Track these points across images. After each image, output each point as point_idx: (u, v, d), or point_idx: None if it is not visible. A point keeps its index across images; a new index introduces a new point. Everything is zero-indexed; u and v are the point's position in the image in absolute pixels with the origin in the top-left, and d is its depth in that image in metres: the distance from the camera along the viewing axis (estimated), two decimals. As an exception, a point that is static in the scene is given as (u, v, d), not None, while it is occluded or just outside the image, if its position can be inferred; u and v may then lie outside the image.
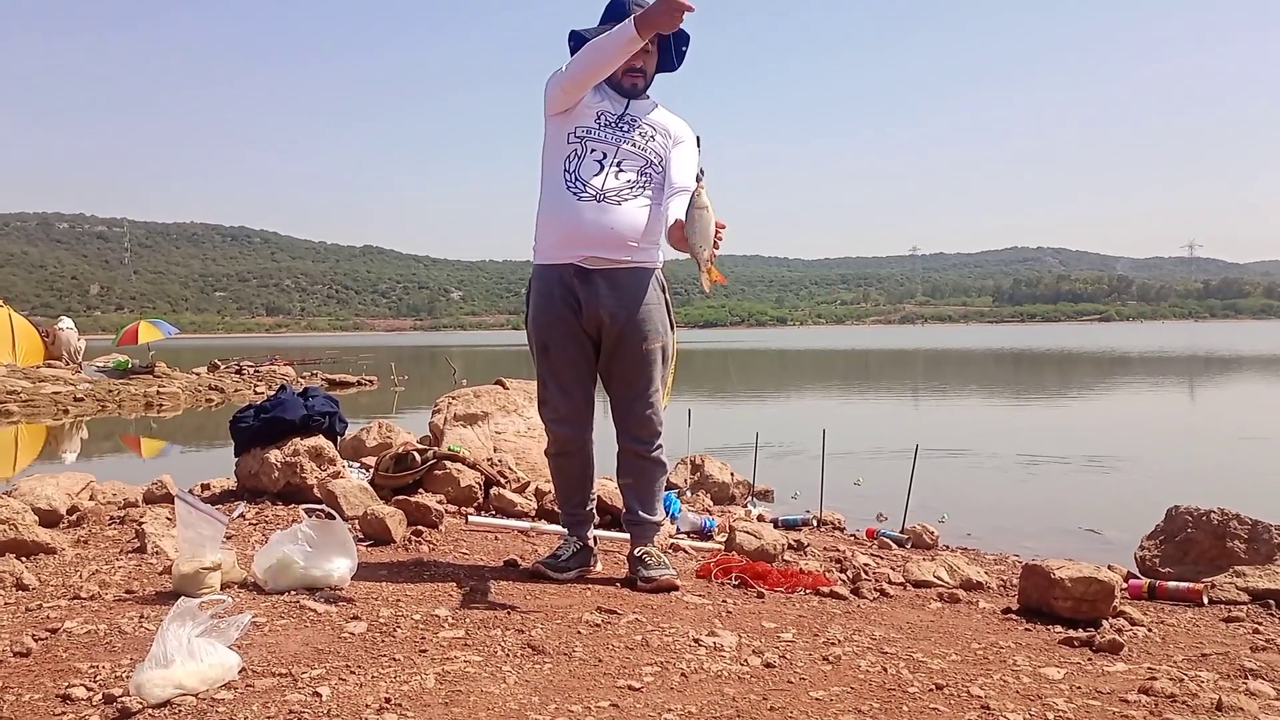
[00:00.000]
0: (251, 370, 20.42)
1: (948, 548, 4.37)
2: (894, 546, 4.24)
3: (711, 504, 5.30)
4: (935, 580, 3.27)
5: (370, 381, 19.61)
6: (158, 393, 15.46)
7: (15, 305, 19.90)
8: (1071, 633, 2.54)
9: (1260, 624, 2.79)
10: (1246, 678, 2.13)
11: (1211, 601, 3.09)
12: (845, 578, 3.32)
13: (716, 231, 2.66)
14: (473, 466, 4.37)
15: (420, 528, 3.52)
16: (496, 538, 3.62)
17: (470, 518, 3.90)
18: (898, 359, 32.86)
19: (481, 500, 4.25)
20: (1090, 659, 2.31)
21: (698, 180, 2.72)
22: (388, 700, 1.81)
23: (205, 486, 4.55)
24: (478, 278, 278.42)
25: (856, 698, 1.93)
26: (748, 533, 3.54)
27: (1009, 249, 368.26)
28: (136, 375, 17.12)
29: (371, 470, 4.53)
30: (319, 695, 1.81)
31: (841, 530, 4.78)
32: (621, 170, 2.85)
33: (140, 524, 3.34)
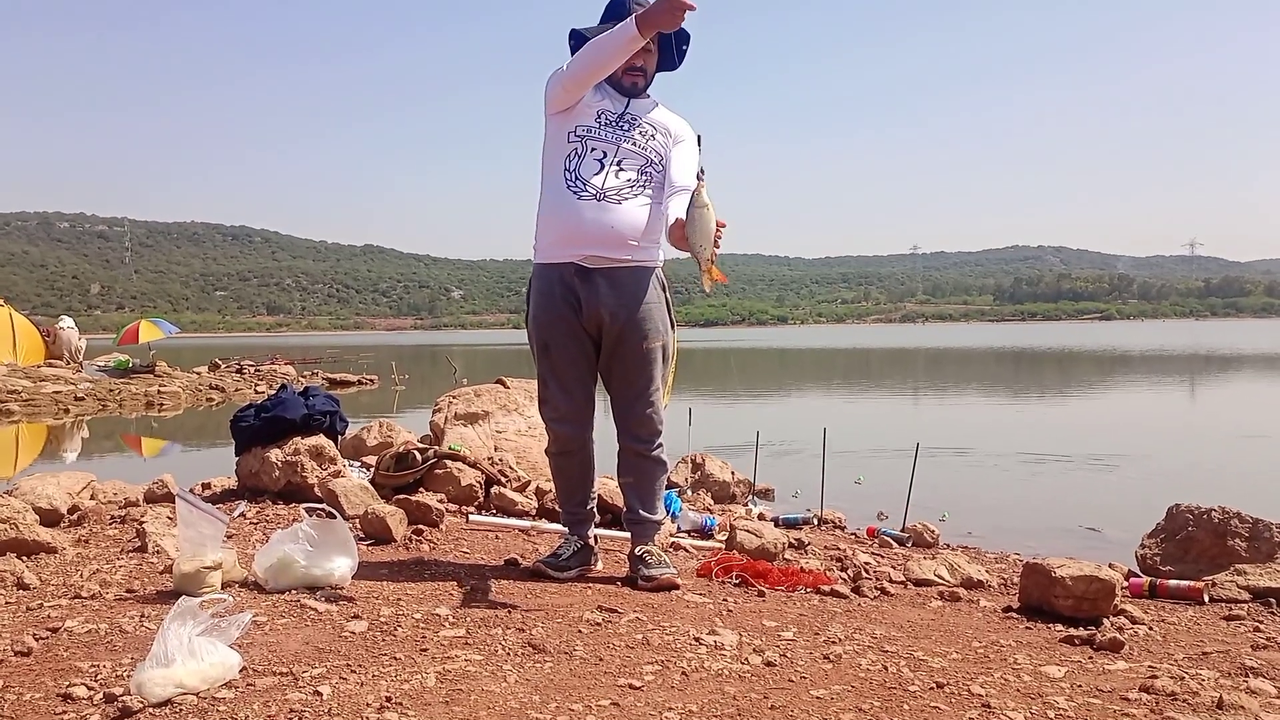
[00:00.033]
0: (252, 369, 20.43)
1: (948, 546, 4.37)
2: (895, 545, 4.24)
3: (712, 502, 5.30)
4: (936, 579, 3.27)
5: (371, 381, 19.61)
6: (158, 392, 15.47)
7: (16, 304, 19.91)
8: (1072, 631, 2.54)
9: (1261, 622, 2.79)
10: (1247, 676, 2.13)
11: (1212, 600, 3.09)
12: (846, 576, 3.31)
13: (717, 230, 2.66)
14: (473, 465, 4.37)
15: (421, 527, 3.52)
16: (497, 537, 3.63)
17: (471, 517, 3.90)
18: (898, 358, 32.85)
19: (482, 499, 4.25)
20: (1091, 657, 2.31)
21: (698, 179, 2.72)
22: (388, 699, 1.81)
23: (206, 486, 4.55)
24: (478, 277, 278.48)
25: (857, 696, 1.93)
26: (748, 531, 3.54)
27: (1010, 248, 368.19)
28: (137, 374, 17.12)
29: (372, 469, 4.53)
30: (320, 694, 1.81)
31: (842, 529, 4.78)
32: (622, 169, 2.85)
33: (141, 523, 3.34)
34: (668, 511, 4.04)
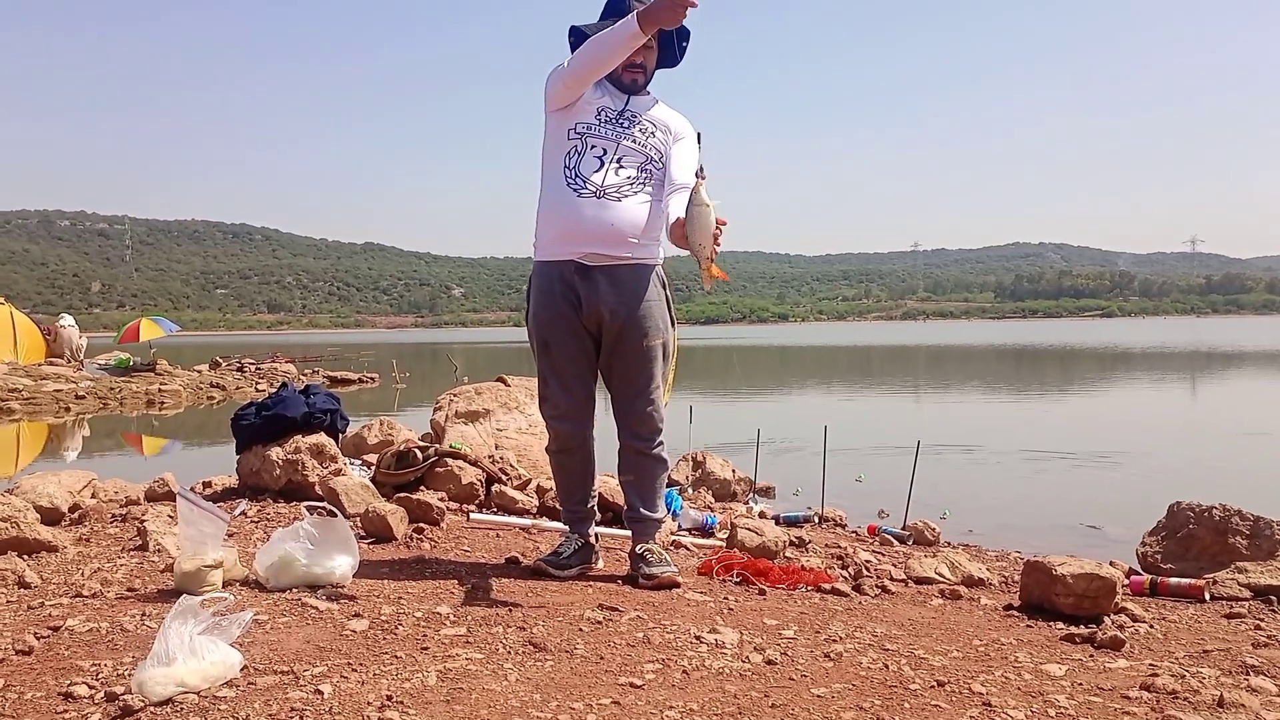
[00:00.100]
0: (253, 368, 20.44)
1: (949, 544, 4.37)
2: (896, 543, 4.24)
3: (713, 501, 5.30)
4: (937, 577, 3.27)
5: (372, 379, 19.62)
6: (159, 390, 15.47)
7: (17, 303, 19.92)
8: (1073, 629, 2.55)
9: (1262, 620, 2.79)
10: (1248, 674, 2.13)
11: (1213, 598, 3.09)
12: (847, 574, 3.31)
13: (717, 228, 2.65)
14: (474, 464, 4.37)
15: (422, 525, 3.52)
16: (498, 535, 3.63)
17: (472, 515, 3.90)
18: (899, 355, 32.84)
19: (483, 497, 4.25)
20: (1092, 655, 2.30)
21: (697, 177, 2.71)
22: (389, 698, 1.81)
23: (207, 484, 4.55)
24: (479, 274, 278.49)
25: (858, 695, 1.93)
26: (749, 529, 3.54)
27: (1011, 245, 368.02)
28: (138, 373, 17.12)
29: (373, 468, 4.53)
30: (321, 693, 1.81)
31: (843, 527, 4.78)
32: (622, 166, 2.84)
33: (142, 522, 3.34)
34: (668, 509, 4.04)
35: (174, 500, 3.04)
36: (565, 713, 1.78)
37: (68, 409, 13.19)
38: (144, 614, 2.35)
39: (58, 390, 14.21)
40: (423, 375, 22.63)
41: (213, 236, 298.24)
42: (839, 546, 3.93)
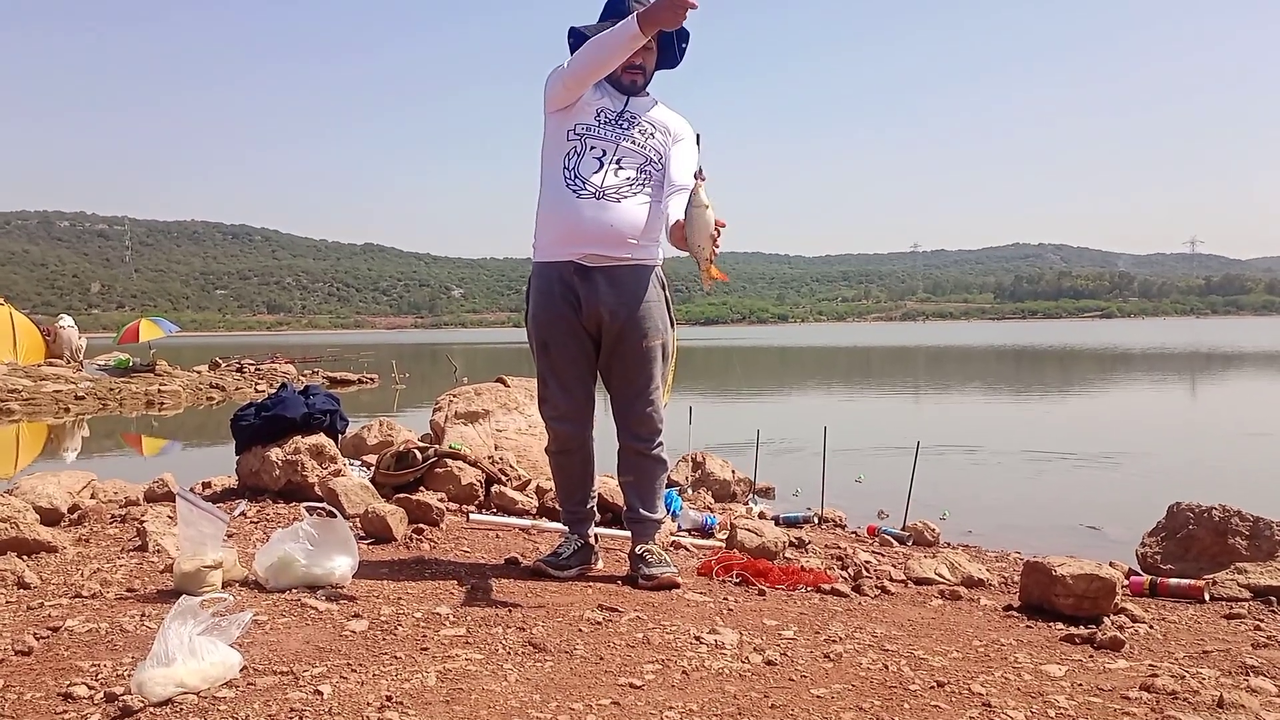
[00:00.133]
0: (252, 368, 20.43)
1: (949, 545, 4.37)
2: (895, 544, 4.24)
3: (713, 501, 5.30)
4: (936, 577, 3.27)
5: (371, 379, 19.62)
6: (159, 391, 15.46)
7: (16, 303, 19.91)
8: (1073, 630, 2.55)
9: (1262, 621, 2.79)
10: (1248, 675, 2.13)
11: (1213, 598, 3.09)
12: (846, 575, 3.31)
13: (716, 229, 2.65)
14: (474, 464, 4.37)
15: (421, 526, 3.52)
16: (498, 536, 3.63)
17: (471, 516, 3.90)
18: (899, 356, 32.85)
19: (483, 498, 4.25)
20: (1092, 656, 2.30)
21: (697, 178, 2.71)
22: (389, 698, 1.81)
23: (206, 485, 4.55)
24: (479, 275, 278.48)
25: (858, 695, 1.93)
26: (749, 530, 3.54)
27: (1010, 245, 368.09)
28: (137, 373, 17.13)
29: (373, 468, 4.53)
30: (320, 693, 1.81)
31: (843, 527, 4.78)
32: (621, 167, 2.84)
33: (141, 522, 3.34)
34: (668, 510, 4.04)
35: (173, 501, 3.04)
36: (565, 713, 1.78)
37: (67, 409, 13.19)
38: (143, 614, 2.35)
39: (57, 391, 14.21)
40: (422, 376, 22.63)
41: (212, 237, 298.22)
42: (839, 547, 3.94)
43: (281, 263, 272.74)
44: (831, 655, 2.19)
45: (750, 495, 5.74)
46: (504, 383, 5.84)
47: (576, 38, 2.90)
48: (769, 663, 2.11)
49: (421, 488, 4.23)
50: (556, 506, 3.49)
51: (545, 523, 3.82)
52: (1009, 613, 2.80)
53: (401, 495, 3.86)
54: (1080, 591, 2.70)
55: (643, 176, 2.87)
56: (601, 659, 2.10)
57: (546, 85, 2.88)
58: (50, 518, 3.59)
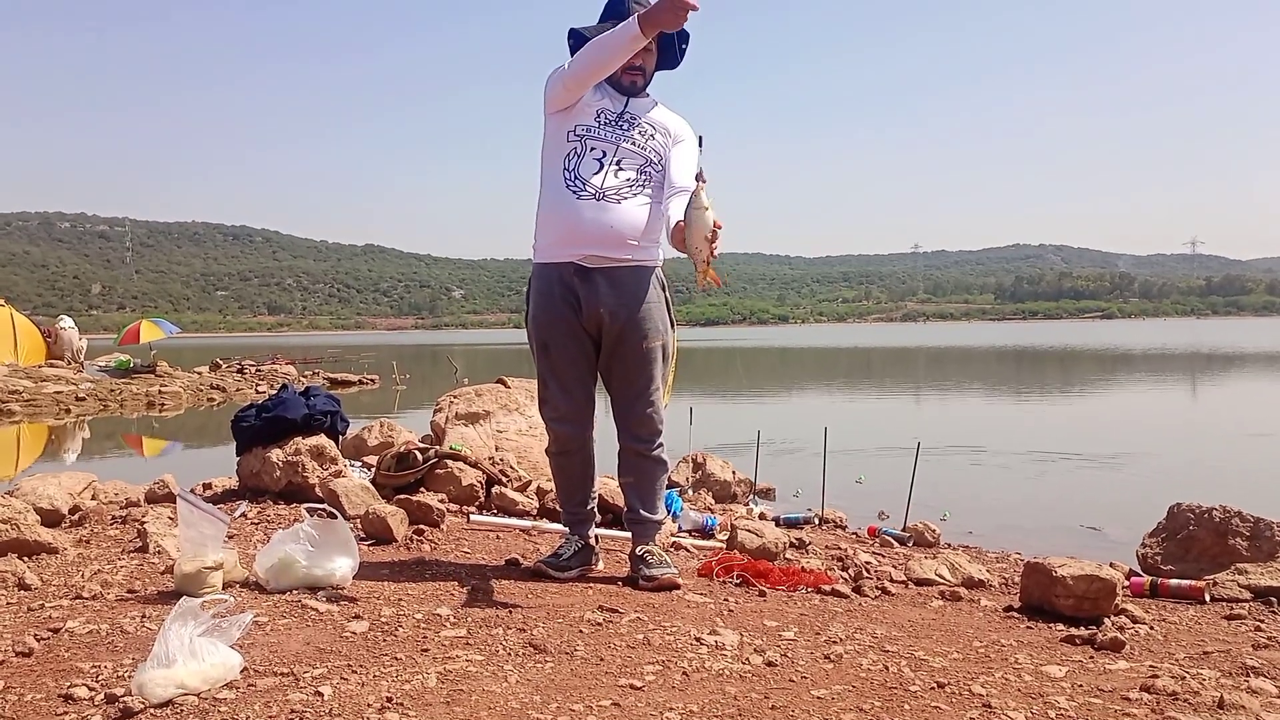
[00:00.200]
0: (253, 369, 20.44)
1: (949, 545, 4.36)
2: (896, 544, 4.24)
3: (713, 502, 5.30)
4: (937, 578, 3.27)
5: (372, 380, 19.62)
6: (159, 392, 15.47)
7: (17, 305, 19.92)
8: (1073, 631, 2.54)
9: (1262, 621, 2.79)
10: (1248, 675, 2.13)
11: (1213, 599, 3.09)
12: (847, 576, 3.31)
13: (714, 232, 2.65)
14: (474, 465, 4.37)
15: (422, 527, 3.52)
16: (498, 537, 3.63)
17: (472, 517, 3.90)
18: (899, 357, 32.84)
19: (483, 499, 4.25)
20: (1092, 657, 2.30)
21: (698, 181, 2.71)
22: (389, 699, 1.81)
23: (207, 486, 4.55)
24: (479, 276, 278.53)
25: (858, 696, 1.93)
26: (749, 531, 3.54)
27: (1011, 246, 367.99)
28: (138, 374, 17.13)
29: (373, 469, 4.53)
30: (321, 695, 1.81)
31: (843, 528, 4.78)
32: (621, 169, 2.84)
33: (142, 523, 3.34)
34: (668, 511, 4.04)
35: (174, 502, 3.04)
36: (565, 714, 1.78)
37: (68, 411, 13.19)
38: (144, 616, 2.35)
39: (58, 392, 14.21)
40: (423, 377, 22.64)
41: (213, 238, 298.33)
42: (839, 548, 3.93)
43: (282, 264, 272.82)
44: (832, 656, 2.19)
45: (751, 496, 5.74)
46: (504, 384, 5.84)
47: (576, 39, 2.90)
48: (769, 664, 2.11)
49: (422, 489, 4.24)
50: (557, 508, 3.49)
51: (546, 524, 3.82)
52: (1009, 614, 2.80)
53: (402, 496, 3.86)
54: (1081, 592, 2.70)
55: (643, 178, 2.87)
56: (602, 660, 2.10)
57: (546, 86, 2.88)
58: (51, 519, 3.59)
